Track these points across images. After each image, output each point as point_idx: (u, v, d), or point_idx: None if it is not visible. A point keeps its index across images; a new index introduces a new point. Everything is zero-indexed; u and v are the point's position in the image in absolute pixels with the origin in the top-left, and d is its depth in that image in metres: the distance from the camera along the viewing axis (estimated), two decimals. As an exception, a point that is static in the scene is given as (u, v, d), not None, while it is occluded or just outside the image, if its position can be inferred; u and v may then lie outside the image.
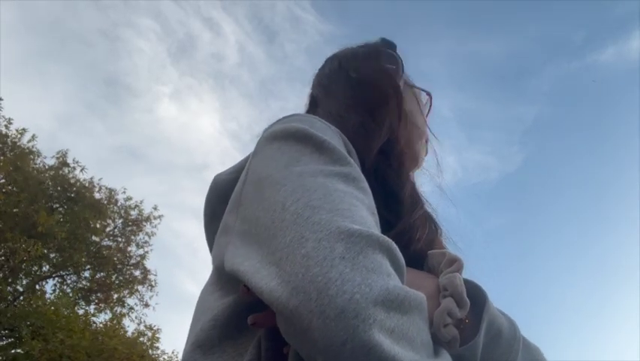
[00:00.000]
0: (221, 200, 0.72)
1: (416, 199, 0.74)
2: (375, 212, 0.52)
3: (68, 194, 12.84)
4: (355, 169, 0.54)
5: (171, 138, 20.45)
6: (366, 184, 0.54)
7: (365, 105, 0.77)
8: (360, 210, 0.48)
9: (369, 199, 0.52)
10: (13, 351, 10.32)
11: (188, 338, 0.58)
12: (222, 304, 0.57)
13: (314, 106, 0.86)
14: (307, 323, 0.38)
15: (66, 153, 13.12)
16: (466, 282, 0.57)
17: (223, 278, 0.59)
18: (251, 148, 0.67)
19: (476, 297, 0.54)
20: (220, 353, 0.54)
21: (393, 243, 0.45)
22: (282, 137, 0.58)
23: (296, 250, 0.42)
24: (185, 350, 0.57)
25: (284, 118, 0.64)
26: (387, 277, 0.41)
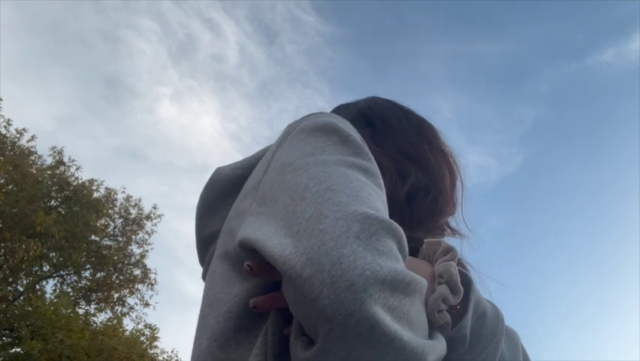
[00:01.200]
0: (222, 192, 0.74)
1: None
2: (387, 207, 0.55)
3: (66, 193, 12.86)
4: (375, 165, 0.57)
5: (172, 139, 20.44)
6: (382, 182, 0.56)
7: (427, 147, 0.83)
8: (377, 201, 0.50)
9: (383, 196, 0.55)
10: (12, 351, 10.34)
11: (202, 331, 0.59)
12: (234, 296, 0.58)
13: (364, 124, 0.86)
14: (318, 292, 0.41)
15: (61, 150, 13.16)
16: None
17: (235, 266, 0.61)
18: (252, 149, 0.68)
19: (463, 282, 0.57)
20: (235, 345, 0.55)
21: (402, 230, 0.48)
22: (310, 129, 0.62)
23: (314, 225, 0.45)
24: (200, 344, 0.58)
25: (311, 114, 0.67)
26: (396, 261, 0.44)
